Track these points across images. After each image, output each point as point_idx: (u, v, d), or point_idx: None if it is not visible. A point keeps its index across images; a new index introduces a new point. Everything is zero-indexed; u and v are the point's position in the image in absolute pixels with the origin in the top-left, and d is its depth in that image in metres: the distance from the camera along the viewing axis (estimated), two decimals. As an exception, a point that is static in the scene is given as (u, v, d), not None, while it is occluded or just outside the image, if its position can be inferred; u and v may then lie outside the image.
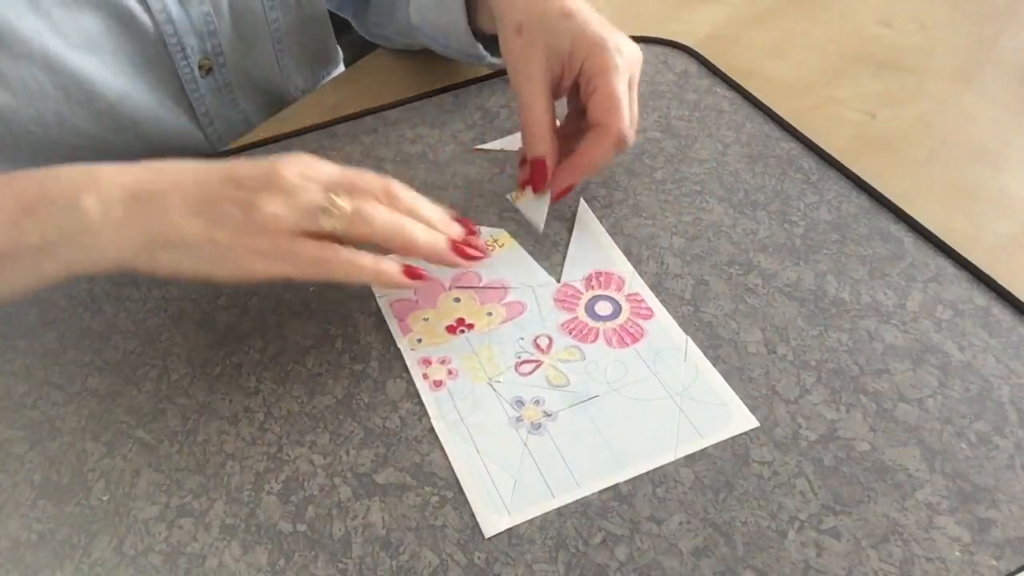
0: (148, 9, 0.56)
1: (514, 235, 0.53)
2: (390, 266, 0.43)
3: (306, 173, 0.42)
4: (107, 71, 0.56)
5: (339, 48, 0.80)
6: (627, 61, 0.50)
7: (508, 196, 0.54)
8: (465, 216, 0.54)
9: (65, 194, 0.40)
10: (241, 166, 0.42)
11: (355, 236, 0.41)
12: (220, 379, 0.46)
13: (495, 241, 0.53)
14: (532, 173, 0.51)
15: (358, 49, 0.78)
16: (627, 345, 0.46)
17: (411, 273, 0.43)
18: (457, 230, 0.46)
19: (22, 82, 0.53)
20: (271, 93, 0.69)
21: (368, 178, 0.44)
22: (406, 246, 0.43)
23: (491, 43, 0.61)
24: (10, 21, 0.51)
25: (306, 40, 0.70)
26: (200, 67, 0.61)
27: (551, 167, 0.50)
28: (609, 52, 0.49)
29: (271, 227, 0.40)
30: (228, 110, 0.65)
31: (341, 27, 0.80)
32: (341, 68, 0.79)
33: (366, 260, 0.42)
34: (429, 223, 0.44)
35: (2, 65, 0.52)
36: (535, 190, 0.51)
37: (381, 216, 0.42)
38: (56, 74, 0.54)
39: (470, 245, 0.45)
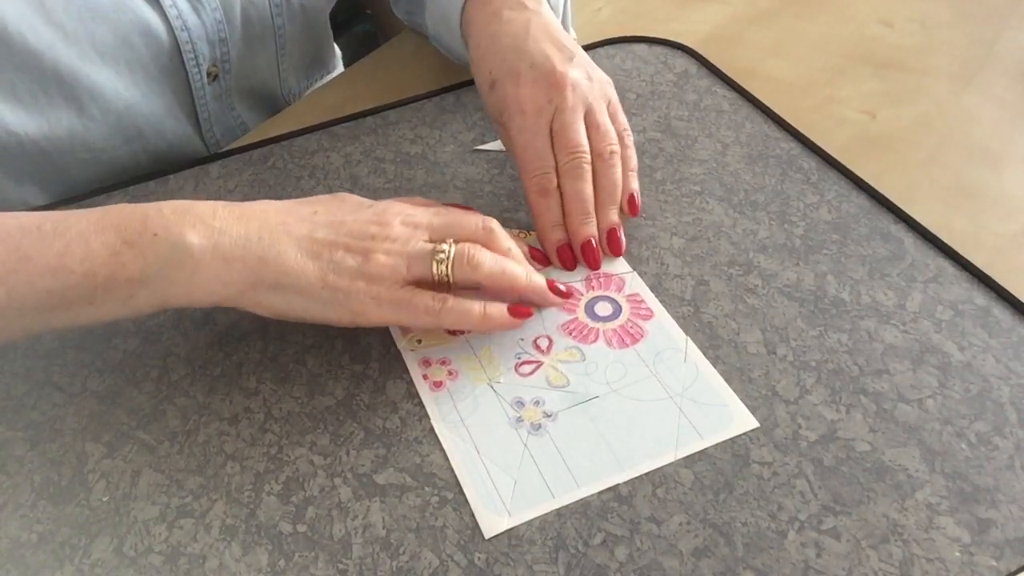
0: (165, 18, 0.56)
1: (514, 236, 0.53)
2: (496, 309, 0.44)
3: (410, 221, 0.44)
4: (119, 81, 0.56)
5: (336, 50, 0.80)
6: (578, 96, 0.50)
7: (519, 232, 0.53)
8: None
9: (169, 229, 0.40)
10: (346, 213, 0.44)
11: (462, 281, 0.43)
12: (220, 379, 0.46)
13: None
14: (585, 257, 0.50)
15: (358, 49, 0.78)
16: (627, 346, 0.46)
17: (517, 312, 0.45)
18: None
19: (33, 96, 0.53)
20: (266, 98, 0.70)
21: (468, 220, 0.46)
22: (512, 288, 0.45)
23: None
24: (23, 34, 0.50)
25: (306, 46, 0.71)
26: (208, 74, 0.61)
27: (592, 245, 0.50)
28: (513, 115, 0.50)
29: (387, 276, 0.42)
30: (226, 115, 0.66)
31: (341, 27, 0.80)
32: (340, 70, 0.79)
33: (475, 308, 0.44)
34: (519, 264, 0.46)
35: (14, 78, 0.52)
36: (569, 295, 0.49)
37: (486, 262, 0.44)
38: (68, 86, 0.54)
39: (559, 284, 0.48)
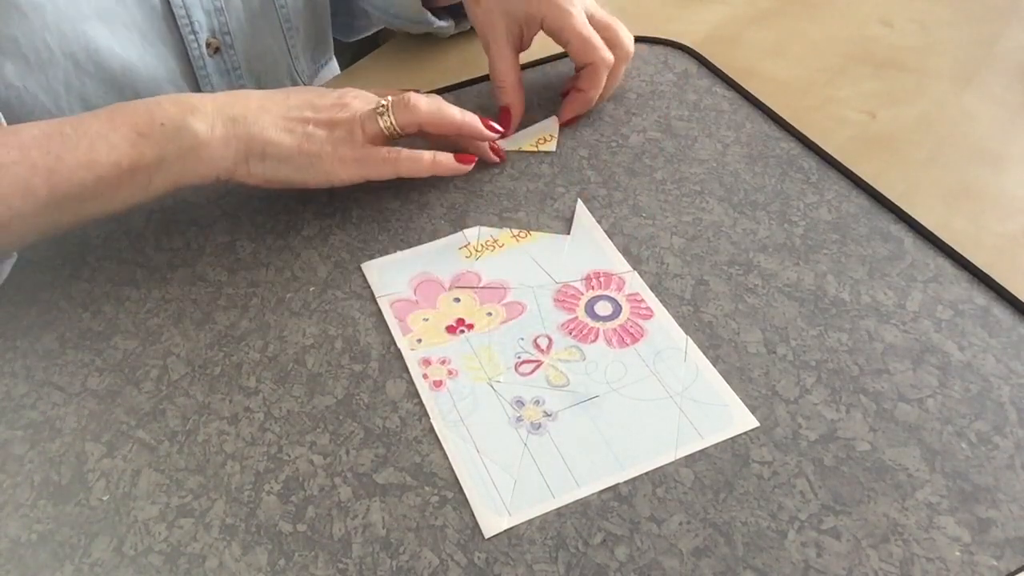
0: None
1: (514, 236, 0.53)
2: (444, 157, 0.53)
3: (362, 97, 0.53)
4: (116, 41, 0.57)
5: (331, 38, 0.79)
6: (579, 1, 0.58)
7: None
8: (465, 216, 0.55)
9: (174, 119, 0.48)
10: (314, 96, 0.52)
11: (405, 123, 0.52)
12: (220, 379, 0.46)
13: (495, 241, 0.53)
14: (500, 118, 0.60)
15: (358, 49, 0.78)
16: (627, 345, 0.46)
17: (462, 159, 0.54)
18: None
19: (34, 49, 0.54)
20: (280, 82, 0.69)
21: (398, 92, 0.54)
22: (449, 122, 0.53)
23: (439, 11, 0.69)
24: None
25: (311, 25, 0.70)
26: (208, 45, 0.61)
27: (516, 114, 0.60)
28: (560, 7, 0.57)
29: (347, 140, 0.51)
30: None
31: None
32: (333, 61, 0.79)
33: (425, 155, 0.53)
34: None
35: (17, 31, 0.52)
36: (504, 133, 0.59)
37: (422, 104, 0.52)
38: (67, 41, 0.55)
39: (491, 122, 0.56)
